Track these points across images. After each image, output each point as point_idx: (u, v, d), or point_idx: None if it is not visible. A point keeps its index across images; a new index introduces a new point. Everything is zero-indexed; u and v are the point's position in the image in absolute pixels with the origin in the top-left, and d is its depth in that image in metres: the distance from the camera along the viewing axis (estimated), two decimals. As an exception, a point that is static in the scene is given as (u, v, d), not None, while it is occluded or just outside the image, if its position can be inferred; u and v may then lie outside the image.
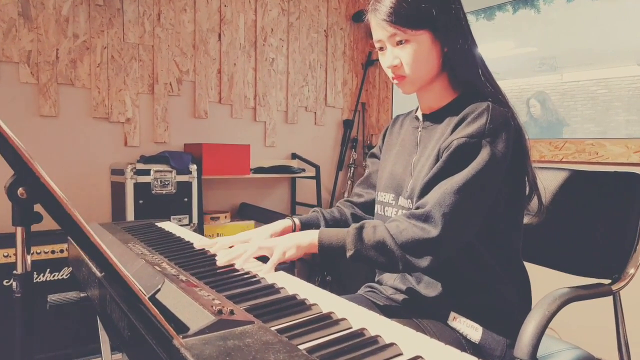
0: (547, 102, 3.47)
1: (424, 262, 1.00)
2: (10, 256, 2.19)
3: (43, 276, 2.26)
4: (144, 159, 2.69)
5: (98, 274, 1.05)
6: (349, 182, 3.73)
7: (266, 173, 3.22)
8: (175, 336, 0.55)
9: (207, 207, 3.10)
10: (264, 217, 3.20)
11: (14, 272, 0.76)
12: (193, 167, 2.74)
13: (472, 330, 1.04)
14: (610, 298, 1.23)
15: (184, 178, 2.71)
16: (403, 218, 1.03)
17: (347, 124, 3.73)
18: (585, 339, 1.60)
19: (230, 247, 1.21)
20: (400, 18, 1.07)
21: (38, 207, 0.73)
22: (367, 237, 1.02)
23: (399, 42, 1.10)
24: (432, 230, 0.98)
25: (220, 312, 0.69)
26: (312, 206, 3.45)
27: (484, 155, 1.01)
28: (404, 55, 1.10)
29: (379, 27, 1.11)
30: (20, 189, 0.71)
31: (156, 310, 0.57)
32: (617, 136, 3.77)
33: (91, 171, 2.72)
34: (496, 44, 3.61)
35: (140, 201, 2.56)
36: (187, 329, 0.66)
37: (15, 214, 0.75)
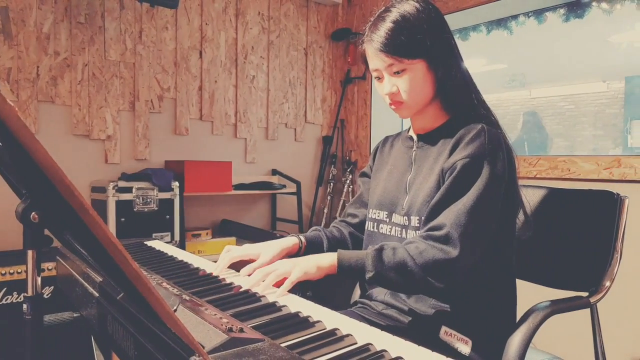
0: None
1: (443, 282, 1.03)
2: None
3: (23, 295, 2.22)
4: (126, 177, 2.68)
5: (95, 294, 1.06)
6: (329, 197, 3.77)
7: (247, 189, 3.24)
8: (203, 353, 0.58)
9: (189, 223, 3.10)
10: (245, 233, 3.22)
11: (24, 294, 0.78)
12: (175, 184, 2.74)
13: (462, 344, 1.08)
14: (587, 309, 1.30)
15: (165, 195, 2.71)
16: (421, 240, 1.06)
17: (327, 140, 3.79)
18: (561, 349, 1.67)
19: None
20: (397, 48, 1.12)
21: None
22: (387, 259, 1.05)
23: (396, 72, 1.15)
24: (452, 251, 1.02)
25: (230, 330, 0.71)
26: (292, 222, 3.49)
27: (487, 173, 1.06)
28: (401, 83, 1.15)
29: (376, 57, 1.16)
30: (33, 213, 0.73)
31: (186, 329, 0.59)
32: (585, 150, 3.90)
33: (71, 188, 2.70)
34: (468, 61, 3.72)
35: (122, 219, 2.56)
36: (202, 347, 0.68)
37: (27, 237, 0.76)
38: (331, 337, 0.74)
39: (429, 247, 1.04)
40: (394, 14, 1.15)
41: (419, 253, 1.04)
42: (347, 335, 0.75)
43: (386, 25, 1.14)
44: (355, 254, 1.09)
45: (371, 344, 0.71)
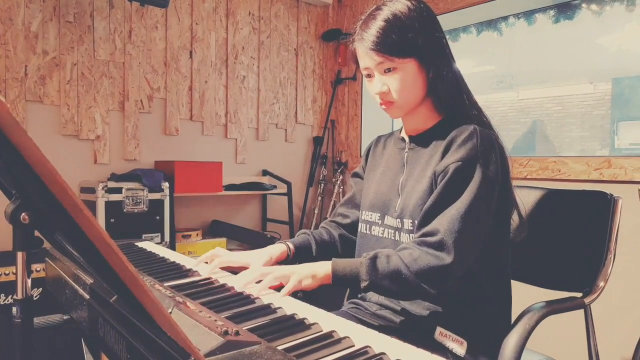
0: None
1: (437, 288, 1.03)
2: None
3: (12, 297, 2.19)
4: (115, 177, 2.65)
5: (86, 296, 1.04)
6: (319, 198, 3.76)
7: (237, 190, 3.22)
8: (200, 356, 0.57)
9: (179, 224, 3.07)
10: (235, 234, 3.20)
11: (14, 297, 0.76)
12: (165, 185, 2.72)
13: (457, 345, 1.08)
14: (581, 310, 1.30)
15: (155, 196, 2.68)
16: (415, 246, 1.05)
17: (317, 141, 3.77)
18: (555, 350, 1.67)
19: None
20: (387, 47, 1.11)
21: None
22: (381, 267, 1.04)
23: (387, 70, 1.14)
24: (447, 258, 1.01)
25: (226, 332, 0.70)
26: (283, 223, 3.48)
27: (480, 176, 1.06)
28: (392, 82, 1.14)
29: (367, 56, 1.15)
30: (24, 213, 0.72)
31: (183, 332, 0.58)
32: (572, 151, 3.92)
33: (59, 189, 2.66)
34: (458, 62, 3.72)
35: (112, 219, 2.53)
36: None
37: (17, 238, 0.74)
38: (328, 339, 0.73)
39: (423, 254, 1.03)
40: (385, 12, 1.13)
41: (413, 260, 1.03)
42: (345, 338, 0.74)
43: (377, 24, 1.13)
44: (349, 263, 1.08)
45: (369, 347, 0.70)
